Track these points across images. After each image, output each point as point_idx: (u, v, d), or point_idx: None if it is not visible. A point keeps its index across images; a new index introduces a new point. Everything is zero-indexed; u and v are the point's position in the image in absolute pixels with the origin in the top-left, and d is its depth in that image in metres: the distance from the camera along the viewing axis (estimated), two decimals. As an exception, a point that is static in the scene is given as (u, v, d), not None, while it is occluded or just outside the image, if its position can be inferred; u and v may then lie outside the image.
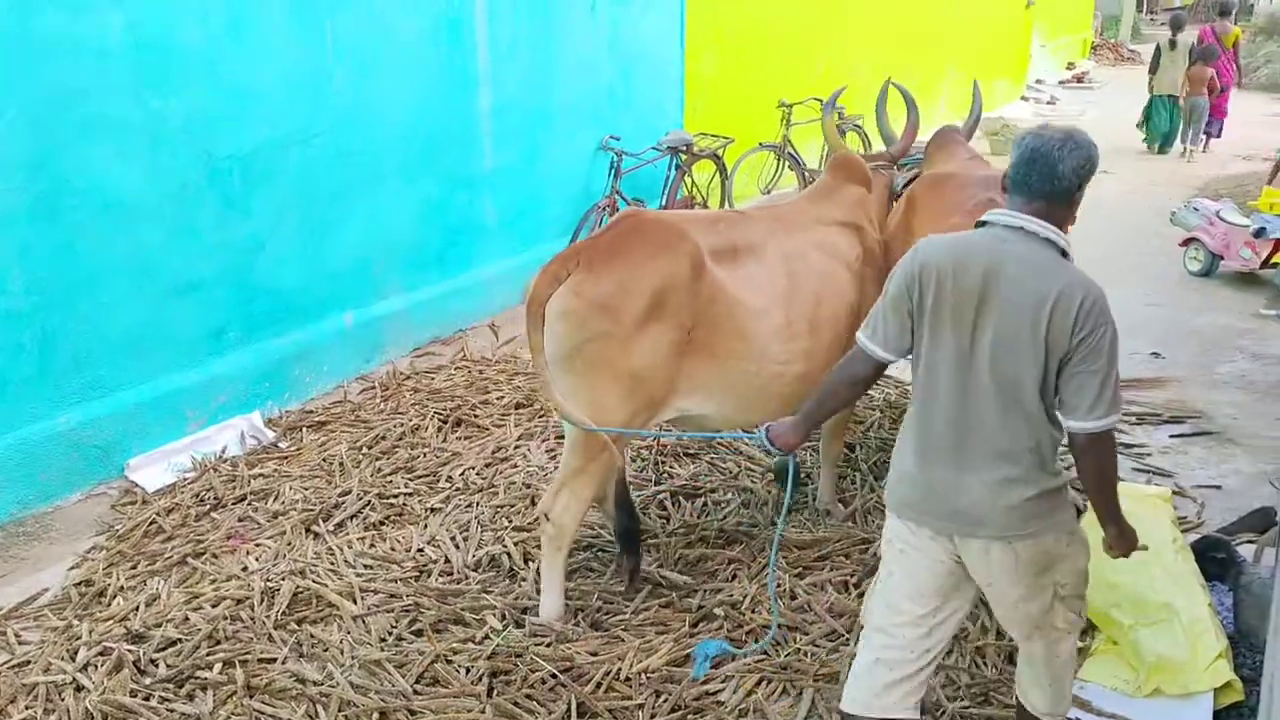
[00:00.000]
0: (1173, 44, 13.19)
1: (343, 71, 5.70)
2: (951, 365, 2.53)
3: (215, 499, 4.60)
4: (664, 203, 8.54)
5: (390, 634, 3.61)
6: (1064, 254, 2.52)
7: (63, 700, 3.31)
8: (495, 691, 3.33)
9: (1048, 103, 19.22)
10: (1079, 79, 22.50)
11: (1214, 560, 3.73)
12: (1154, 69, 13.45)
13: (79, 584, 4.01)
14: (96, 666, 3.45)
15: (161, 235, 4.87)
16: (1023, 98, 19.43)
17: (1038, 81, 20.56)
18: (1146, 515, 3.48)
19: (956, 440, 2.55)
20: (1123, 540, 2.67)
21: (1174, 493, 4.50)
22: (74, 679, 3.39)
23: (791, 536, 4.19)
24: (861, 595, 3.74)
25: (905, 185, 4.39)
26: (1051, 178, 2.48)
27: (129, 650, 3.48)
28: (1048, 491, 2.54)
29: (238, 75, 5.11)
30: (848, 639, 3.53)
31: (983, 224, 2.60)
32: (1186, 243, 8.23)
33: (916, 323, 2.59)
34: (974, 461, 2.54)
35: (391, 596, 3.82)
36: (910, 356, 2.67)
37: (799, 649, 3.50)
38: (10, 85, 4.22)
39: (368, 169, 5.97)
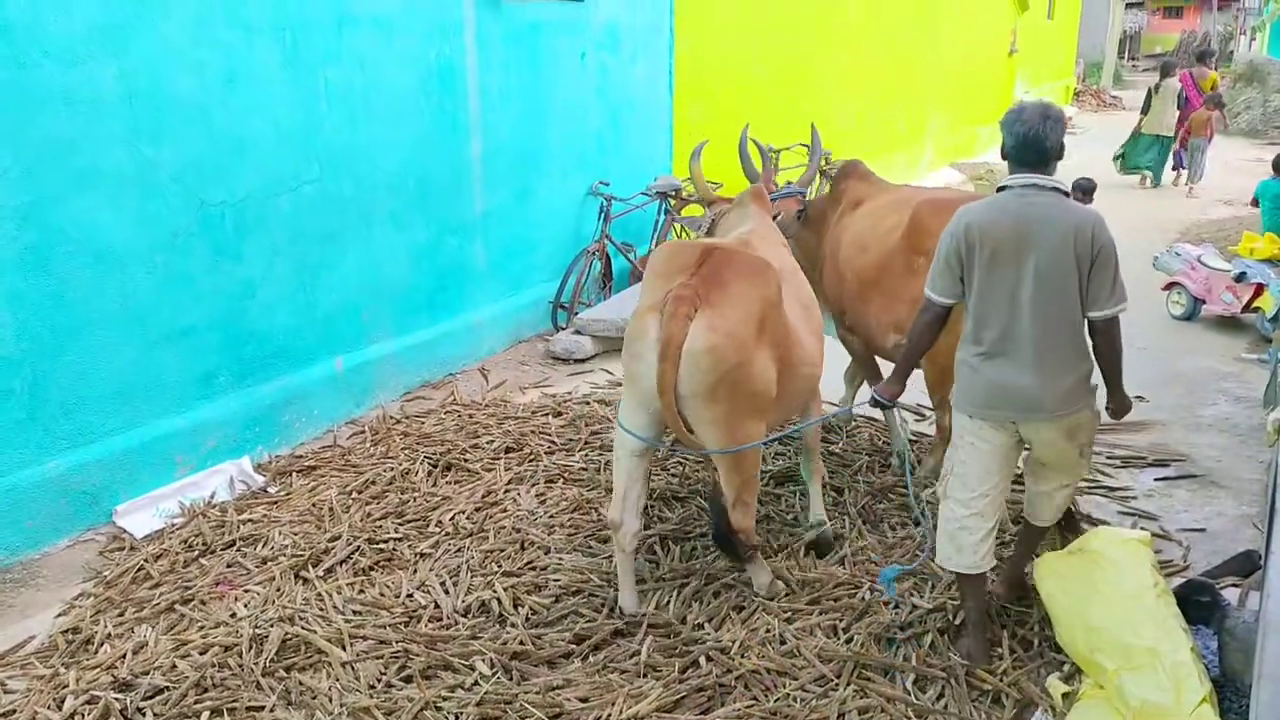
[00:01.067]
0: (1156, 88, 14.29)
1: (335, 119, 5.77)
2: (1005, 292, 3.36)
3: (204, 545, 4.60)
4: (653, 247, 8.62)
5: (379, 681, 3.60)
6: (1066, 194, 3.42)
7: (48, 750, 3.30)
8: (484, 739, 3.32)
9: (1031, 147, 19.44)
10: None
11: (1198, 604, 3.74)
12: (1145, 110, 14.49)
13: (66, 631, 3.99)
14: (84, 716, 3.43)
15: (153, 282, 4.90)
16: (1007, 142, 19.69)
17: (1021, 126, 20.83)
18: (1126, 559, 3.51)
19: (1013, 347, 3.39)
20: (1124, 407, 3.68)
21: (1158, 536, 4.55)
22: (60, 728, 3.38)
23: (780, 576, 4.19)
24: (850, 641, 3.77)
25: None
26: (1043, 150, 3.37)
27: (116, 699, 3.47)
28: (1084, 375, 3.47)
29: (231, 124, 5.18)
30: (837, 684, 3.54)
31: (1002, 188, 3.44)
32: (1169, 287, 8.33)
33: (966, 268, 3.42)
34: (1030, 360, 3.38)
35: (381, 643, 3.81)
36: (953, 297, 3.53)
37: (788, 694, 3.50)
38: (4, 135, 4.26)
39: (358, 215, 6.03)
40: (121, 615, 4.07)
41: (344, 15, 5.74)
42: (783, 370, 3.84)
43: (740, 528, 3.84)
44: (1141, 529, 4.54)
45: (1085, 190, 7.01)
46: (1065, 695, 3.47)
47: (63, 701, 3.51)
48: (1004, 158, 3.49)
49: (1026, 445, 3.60)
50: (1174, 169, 14.71)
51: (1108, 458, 5.48)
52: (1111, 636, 3.34)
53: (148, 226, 4.84)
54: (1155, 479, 5.30)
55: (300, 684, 3.59)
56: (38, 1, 4.31)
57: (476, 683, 3.56)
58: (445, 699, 3.47)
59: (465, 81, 6.72)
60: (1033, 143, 3.34)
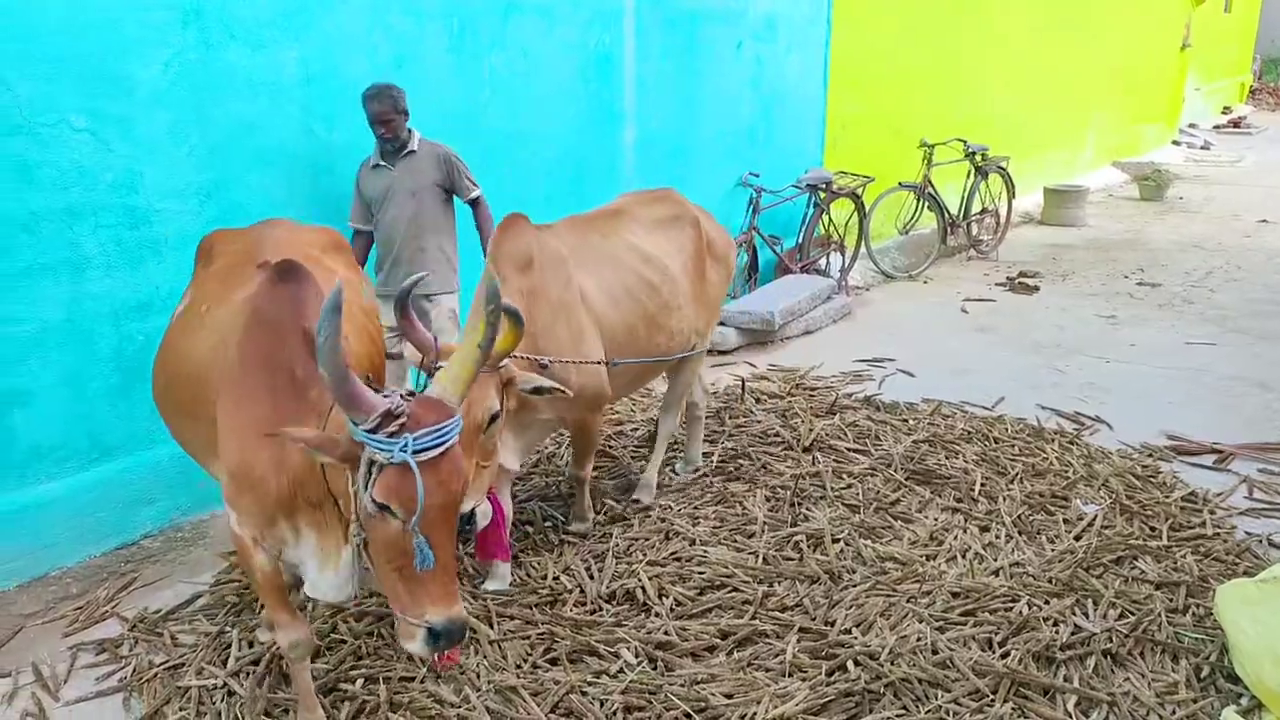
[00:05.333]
0: None
1: (497, 104, 5.87)
2: None
3: (359, 515, 4.72)
4: (800, 240, 8.50)
5: (526, 660, 3.64)
6: None
7: (214, 704, 3.44)
8: (629, 727, 3.32)
9: (1201, 147, 18.49)
10: (1235, 124, 21.58)
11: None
12: None
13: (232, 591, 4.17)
14: (248, 674, 3.57)
15: (321, 259, 5.07)
16: (1174, 142, 18.73)
17: (1190, 126, 19.78)
18: (1324, 590, 3.27)
19: None
20: None
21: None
22: (225, 684, 3.52)
23: (936, 581, 4.06)
24: (1006, 656, 3.61)
25: None
26: None
27: (278, 659, 3.60)
28: None
29: (399, 107, 5.31)
30: (993, 700, 3.40)
31: None
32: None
33: None
34: None
35: (527, 623, 3.85)
36: None
37: (940, 706, 3.38)
38: (194, 115, 4.47)
39: (516, 200, 6.07)
40: (282, 579, 4.22)
41: (510, 3, 5.82)
42: None
43: None
44: (1329, 558, 4.24)
45: None
46: (1244, 731, 3.26)
47: (227, 659, 3.67)
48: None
49: None
50: None
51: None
52: (1305, 672, 3.12)
53: (319, 204, 5.00)
54: (1342, 505, 4.92)
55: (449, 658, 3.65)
56: (227, -14, 4.50)
57: (622, 670, 3.56)
58: (591, 684, 3.48)
59: (622, 70, 6.73)
60: None
